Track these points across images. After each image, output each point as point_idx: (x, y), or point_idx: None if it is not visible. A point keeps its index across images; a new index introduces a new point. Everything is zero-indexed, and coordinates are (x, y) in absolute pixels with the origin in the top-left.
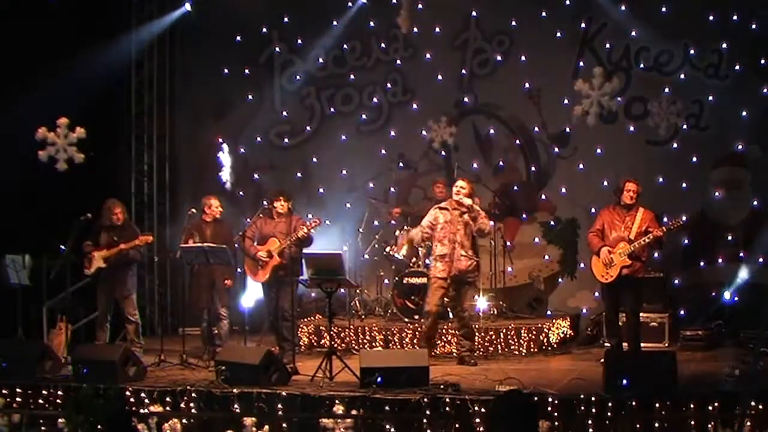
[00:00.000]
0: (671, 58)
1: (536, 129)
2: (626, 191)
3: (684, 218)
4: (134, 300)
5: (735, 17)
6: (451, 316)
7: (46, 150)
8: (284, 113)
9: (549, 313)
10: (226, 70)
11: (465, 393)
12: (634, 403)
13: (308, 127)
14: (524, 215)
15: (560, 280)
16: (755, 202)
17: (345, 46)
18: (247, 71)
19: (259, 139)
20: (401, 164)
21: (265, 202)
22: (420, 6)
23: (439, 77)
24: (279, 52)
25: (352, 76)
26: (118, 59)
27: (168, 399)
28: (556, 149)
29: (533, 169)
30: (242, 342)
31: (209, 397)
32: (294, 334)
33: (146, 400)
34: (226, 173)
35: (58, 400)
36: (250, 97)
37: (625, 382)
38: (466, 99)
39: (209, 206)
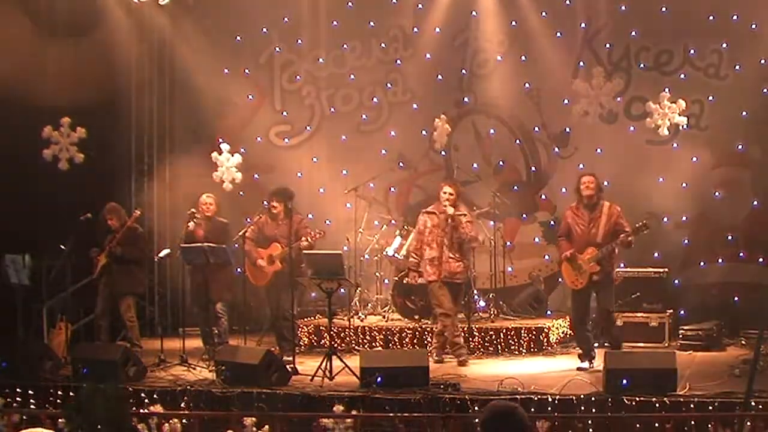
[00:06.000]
0: (671, 58)
1: (536, 129)
2: (581, 184)
3: (645, 222)
4: (130, 303)
5: (735, 17)
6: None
7: (50, 149)
8: (284, 113)
9: (549, 313)
10: (226, 70)
11: (465, 393)
12: (634, 403)
13: (308, 127)
14: (524, 215)
15: (560, 280)
16: (755, 202)
17: (345, 46)
18: (247, 71)
19: (259, 139)
20: (401, 164)
21: (265, 202)
22: (420, 5)
23: (439, 77)
24: (279, 51)
25: (352, 76)
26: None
27: (168, 399)
28: (556, 149)
29: (533, 168)
30: (242, 342)
31: (209, 397)
32: (294, 334)
33: (146, 400)
34: (224, 173)
35: (58, 400)
36: (250, 97)
37: (625, 382)
38: (466, 98)
39: (201, 203)
